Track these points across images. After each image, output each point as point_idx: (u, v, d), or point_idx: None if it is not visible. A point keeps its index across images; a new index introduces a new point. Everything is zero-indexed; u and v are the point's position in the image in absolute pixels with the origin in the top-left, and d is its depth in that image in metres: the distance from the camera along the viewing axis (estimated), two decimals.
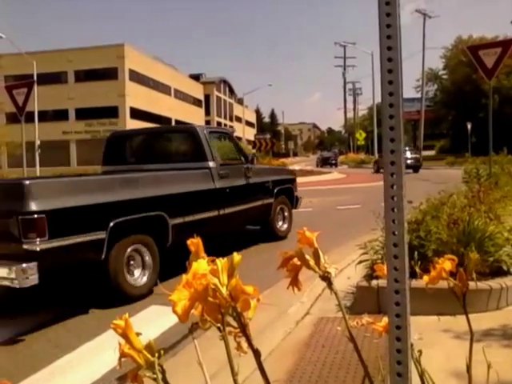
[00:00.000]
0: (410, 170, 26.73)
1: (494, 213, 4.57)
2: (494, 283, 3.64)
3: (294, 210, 8.33)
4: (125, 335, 0.76)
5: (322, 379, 2.69)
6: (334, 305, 3.76)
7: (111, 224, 4.47)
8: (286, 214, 8.02)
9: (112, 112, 43.88)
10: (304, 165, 44.70)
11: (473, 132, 36.85)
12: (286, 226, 7.97)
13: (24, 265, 3.81)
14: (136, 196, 4.90)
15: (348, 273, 4.59)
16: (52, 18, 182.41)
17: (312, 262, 0.97)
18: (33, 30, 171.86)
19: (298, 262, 0.96)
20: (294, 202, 8.29)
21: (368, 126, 64.90)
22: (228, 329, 0.81)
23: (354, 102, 68.47)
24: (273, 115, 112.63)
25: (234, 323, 0.82)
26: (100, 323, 3.98)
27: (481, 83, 32.75)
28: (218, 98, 69.45)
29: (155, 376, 0.76)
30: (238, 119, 75.03)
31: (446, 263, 1.00)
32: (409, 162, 26.96)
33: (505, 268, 3.81)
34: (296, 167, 28.82)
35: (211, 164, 6.23)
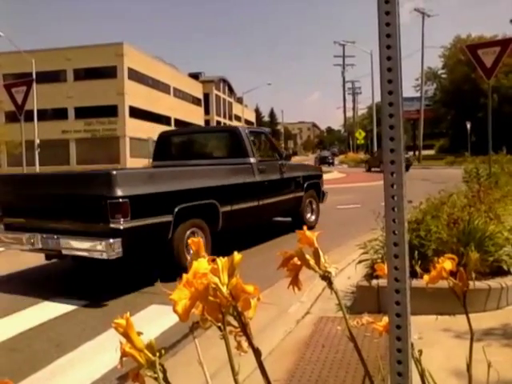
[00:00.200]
0: None
1: (494, 212, 4.57)
2: (494, 283, 3.64)
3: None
4: (126, 334, 0.76)
5: (322, 379, 2.70)
6: (334, 304, 3.76)
7: (176, 209, 5.32)
8: (313, 206, 8.81)
9: (111, 111, 43.85)
10: None
11: (472, 131, 36.86)
12: (313, 217, 8.77)
13: (111, 240, 4.62)
14: (195, 186, 5.80)
15: (348, 272, 4.59)
16: (52, 17, 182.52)
17: (312, 262, 0.97)
18: (32, 29, 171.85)
19: (299, 262, 0.96)
20: (320, 195, 9.09)
21: (367, 125, 64.94)
22: (228, 328, 0.81)
23: (354, 101, 68.51)
24: (272, 114, 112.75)
25: (235, 322, 0.82)
26: (101, 322, 3.98)
27: (480, 82, 32.76)
28: (218, 97, 69.41)
29: (156, 375, 0.76)
30: (238, 118, 75.04)
31: (447, 263, 1.00)
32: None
33: (505, 268, 3.81)
34: None
35: (252, 160, 7.07)
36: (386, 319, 1.00)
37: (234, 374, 0.82)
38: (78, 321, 4.20)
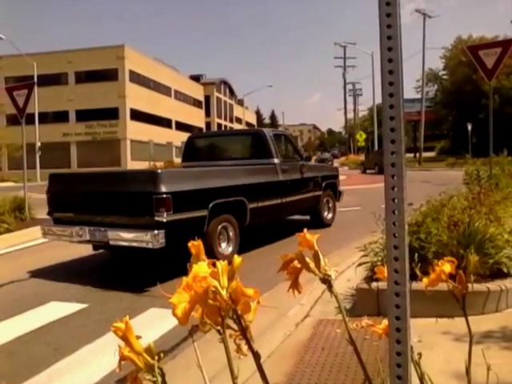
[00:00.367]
0: None
1: (494, 215, 4.56)
2: (493, 285, 3.63)
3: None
4: (125, 338, 0.76)
5: (321, 382, 2.69)
6: (333, 307, 3.75)
7: (211, 205, 5.87)
8: (330, 204, 9.34)
9: (112, 113, 43.91)
10: None
11: (473, 133, 36.85)
12: (330, 215, 9.31)
13: (156, 231, 5.16)
14: (227, 184, 6.36)
15: (348, 275, 4.59)
16: (51, 18, 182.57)
17: (312, 265, 0.97)
18: (32, 29, 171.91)
19: (299, 265, 0.96)
20: (337, 194, 9.62)
21: (368, 127, 64.92)
22: (228, 331, 0.81)
23: (355, 102, 68.51)
24: (273, 116, 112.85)
25: (234, 326, 0.82)
26: (99, 326, 3.98)
27: (481, 83, 32.75)
28: (219, 99, 69.48)
29: (155, 379, 0.76)
30: (239, 120, 75.09)
31: (446, 265, 1.00)
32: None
33: (505, 270, 3.80)
34: None
35: (276, 160, 7.58)
36: (385, 322, 1.00)
37: (234, 377, 0.82)
38: (77, 324, 4.20)
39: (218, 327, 0.79)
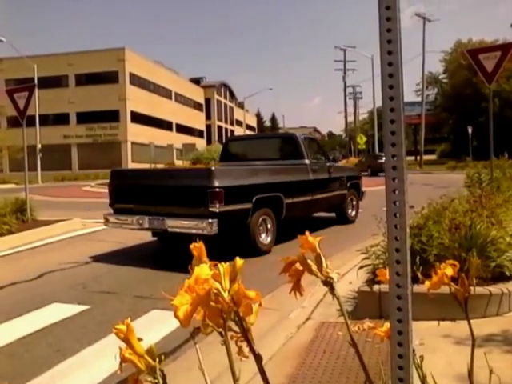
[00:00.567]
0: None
1: (496, 218, 4.56)
2: (495, 288, 3.63)
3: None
4: (126, 340, 0.76)
5: None
6: (335, 310, 3.75)
7: (254, 199, 6.69)
8: (354, 203, 10.01)
9: (113, 116, 43.98)
10: None
11: (473, 136, 36.87)
12: (354, 212, 9.97)
13: (210, 220, 6.02)
14: (268, 181, 7.25)
15: (349, 278, 4.58)
16: (52, 21, 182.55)
17: (314, 267, 0.96)
18: (32, 31, 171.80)
19: (301, 267, 0.96)
20: (360, 194, 10.31)
21: (369, 130, 64.96)
22: (229, 333, 0.81)
23: (355, 105, 68.46)
24: (273, 119, 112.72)
25: (236, 328, 0.82)
26: (101, 327, 3.98)
27: (481, 87, 32.78)
28: (219, 102, 69.53)
29: (156, 381, 0.76)
30: (239, 123, 75.12)
31: (448, 268, 1.00)
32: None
33: (507, 273, 3.79)
34: None
35: (307, 161, 8.39)
36: (387, 325, 0.99)
37: (235, 379, 0.82)
38: (79, 326, 4.20)
39: (220, 329, 0.79)
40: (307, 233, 1.02)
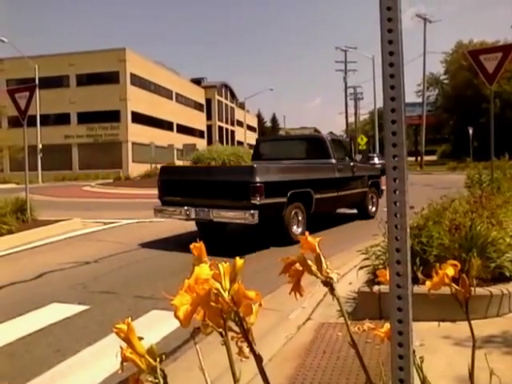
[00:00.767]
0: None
1: (496, 218, 4.56)
2: (496, 289, 3.62)
3: None
4: (127, 339, 0.76)
5: None
6: (335, 310, 3.75)
7: (289, 193, 7.52)
8: (374, 200, 10.79)
9: (113, 116, 43.96)
10: None
11: (474, 137, 36.86)
12: (374, 209, 10.71)
13: (252, 211, 6.87)
14: (300, 178, 8.07)
15: (349, 278, 4.58)
16: (52, 21, 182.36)
17: (314, 268, 0.96)
18: (32, 31, 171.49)
19: (301, 268, 0.96)
20: (379, 191, 11.04)
21: (369, 131, 64.93)
22: (230, 334, 0.81)
23: (356, 106, 68.45)
24: (274, 120, 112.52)
25: (236, 328, 0.82)
26: (101, 327, 3.98)
27: (482, 88, 32.74)
28: (220, 103, 69.51)
29: (157, 381, 0.76)
30: (240, 123, 75.07)
31: (449, 269, 0.99)
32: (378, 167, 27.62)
33: (507, 274, 3.79)
34: None
35: (333, 161, 9.21)
36: (387, 325, 0.99)
37: (235, 379, 0.82)
38: (79, 326, 4.19)
39: (220, 329, 0.79)
40: (307, 233, 1.02)
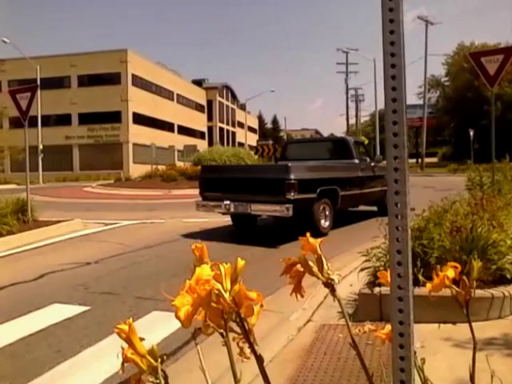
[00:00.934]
0: None
1: (497, 220, 4.55)
2: (497, 291, 3.62)
3: None
4: (128, 340, 0.76)
5: None
6: (335, 312, 3.75)
7: (318, 190, 8.27)
8: None
9: (115, 117, 44.01)
10: None
11: (475, 139, 36.83)
12: None
13: (287, 205, 7.62)
14: (328, 176, 8.88)
15: (350, 280, 4.58)
16: (52, 22, 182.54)
17: (315, 269, 0.96)
18: (32, 32, 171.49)
19: (302, 269, 0.96)
20: None
21: (370, 133, 64.88)
22: (231, 334, 0.81)
23: (357, 108, 68.43)
24: (275, 121, 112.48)
25: (237, 329, 0.82)
26: (102, 328, 3.98)
27: (483, 90, 32.73)
28: (221, 104, 69.55)
29: (158, 381, 0.76)
30: (241, 125, 75.08)
31: (449, 271, 0.99)
32: None
33: (508, 276, 3.79)
34: None
35: (356, 161, 10.04)
36: (388, 327, 0.99)
37: (236, 380, 0.82)
38: (79, 326, 4.19)
39: (221, 330, 0.79)
40: (308, 234, 1.02)
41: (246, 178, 8.49)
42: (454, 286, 0.99)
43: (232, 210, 8.29)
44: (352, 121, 68.44)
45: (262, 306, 0.82)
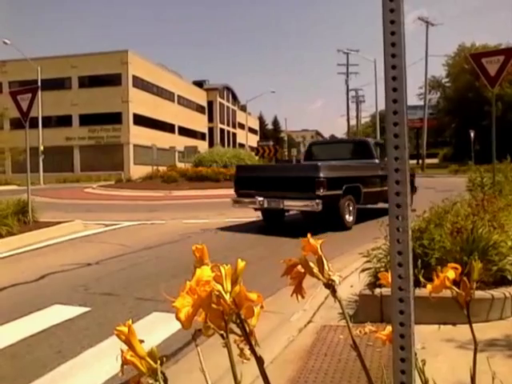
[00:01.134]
0: None
1: (497, 221, 4.54)
2: (498, 292, 3.61)
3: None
4: (128, 342, 0.76)
5: None
6: (336, 313, 3.74)
7: (344, 187, 9.04)
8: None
9: (115, 118, 44.04)
10: None
11: (476, 140, 36.83)
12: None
13: (317, 200, 8.47)
14: (352, 174, 9.62)
15: (351, 281, 4.57)
16: (52, 22, 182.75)
17: (316, 270, 0.96)
18: (32, 32, 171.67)
19: (302, 270, 0.96)
20: (413, 188, 12.19)
21: (371, 134, 64.87)
22: (231, 336, 0.81)
23: (357, 109, 68.43)
24: (276, 122, 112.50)
25: (237, 330, 0.82)
26: (102, 329, 3.97)
27: (484, 91, 32.76)
28: (221, 105, 69.59)
29: (157, 383, 0.76)
30: (241, 126, 75.10)
31: (450, 272, 0.99)
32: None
33: (509, 277, 3.78)
34: None
35: (377, 161, 10.81)
36: (389, 328, 0.99)
37: (236, 382, 0.82)
38: (80, 327, 4.19)
39: (222, 331, 0.79)
40: (309, 235, 1.01)
41: (278, 177, 9.41)
42: (454, 287, 0.99)
43: (265, 205, 9.10)
44: (353, 122, 68.46)
45: (262, 307, 0.82)
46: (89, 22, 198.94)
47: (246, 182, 9.72)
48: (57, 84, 43.58)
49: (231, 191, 10.70)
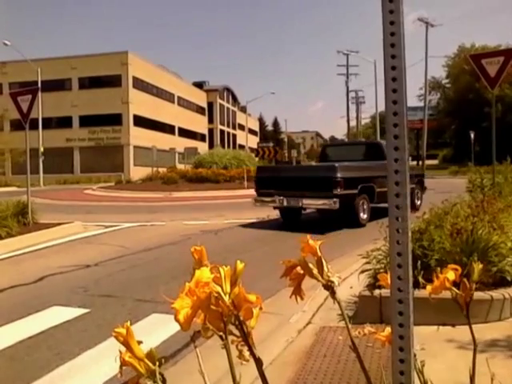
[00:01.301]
0: None
1: (497, 223, 4.54)
2: (497, 293, 3.61)
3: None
4: (126, 343, 0.76)
5: None
6: (335, 314, 3.74)
7: (359, 186, 9.57)
8: (419, 195, 12.80)
9: (115, 119, 44.05)
10: None
11: (476, 141, 36.87)
12: (419, 202, 12.48)
13: (334, 199, 8.92)
14: (366, 175, 10.00)
15: (350, 282, 4.57)
16: (52, 23, 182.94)
17: (315, 271, 0.96)
18: (32, 35, 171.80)
19: (301, 271, 0.96)
20: (423, 188, 13.22)
21: (371, 135, 64.90)
22: (230, 337, 0.81)
23: (357, 110, 68.44)
24: (276, 123, 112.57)
25: (236, 332, 0.82)
26: (101, 331, 3.97)
27: (484, 92, 32.77)
28: (221, 106, 69.61)
29: None
30: (241, 127, 75.11)
31: (450, 273, 0.99)
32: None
33: (508, 278, 3.78)
34: None
35: None
36: (388, 329, 0.99)
37: (235, 383, 0.81)
38: (79, 329, 4.19)
39: (221, 333, 0.79)
40: (308, 236, 1.01)
41: (296, 177, 9.97)
42: (454, 288, 0.99)
43: (285, 204, 9.62)
44: (353, 123, 68.44)
45: (261, 308, 0.82)
46: (89, 25, 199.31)
47: (266, 181, 10.22)
48: (57, 85, 43.61)
49: (231, 192, 10.83)
